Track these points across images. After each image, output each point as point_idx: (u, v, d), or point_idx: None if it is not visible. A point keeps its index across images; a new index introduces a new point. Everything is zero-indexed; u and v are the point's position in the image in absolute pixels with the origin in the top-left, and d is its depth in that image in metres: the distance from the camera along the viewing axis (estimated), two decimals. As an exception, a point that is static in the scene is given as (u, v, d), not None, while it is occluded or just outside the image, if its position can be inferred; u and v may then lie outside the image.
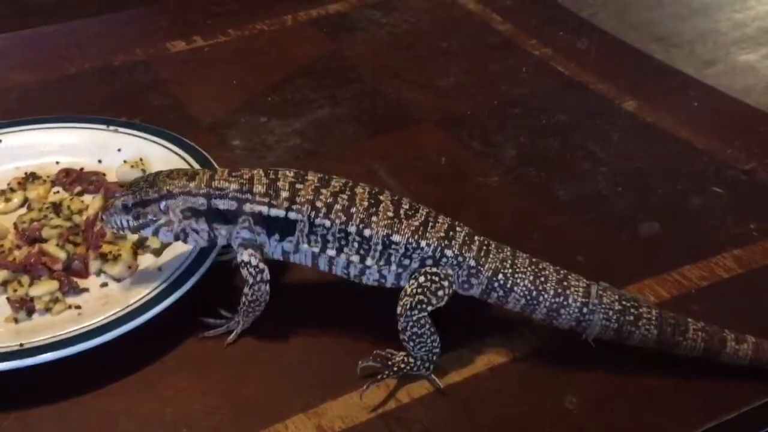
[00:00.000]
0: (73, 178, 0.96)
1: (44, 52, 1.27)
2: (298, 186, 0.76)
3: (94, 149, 1.00)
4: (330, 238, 0.76)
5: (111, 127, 1.01)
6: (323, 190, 0.76)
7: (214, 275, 0.83)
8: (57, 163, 0.99)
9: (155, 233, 0.78)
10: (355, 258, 0.76)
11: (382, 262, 0.76)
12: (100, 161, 0.99)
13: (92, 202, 0.92)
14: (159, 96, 1.16)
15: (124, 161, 0.97)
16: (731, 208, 0.96)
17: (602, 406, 0.74)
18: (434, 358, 0.75)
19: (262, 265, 0.77)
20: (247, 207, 0.76)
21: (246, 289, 0.78)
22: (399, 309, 0.74)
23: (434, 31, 1.34)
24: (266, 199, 0.76)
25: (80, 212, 0.91)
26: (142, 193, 0.77)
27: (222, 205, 0.76)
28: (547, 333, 0.78)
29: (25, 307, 0.80)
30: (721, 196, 0.98)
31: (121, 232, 0.81)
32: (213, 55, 1.27)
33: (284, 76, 1.21)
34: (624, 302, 0.74)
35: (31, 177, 0.97)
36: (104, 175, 0.97)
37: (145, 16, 1.39)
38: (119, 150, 0.99)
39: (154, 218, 0.77)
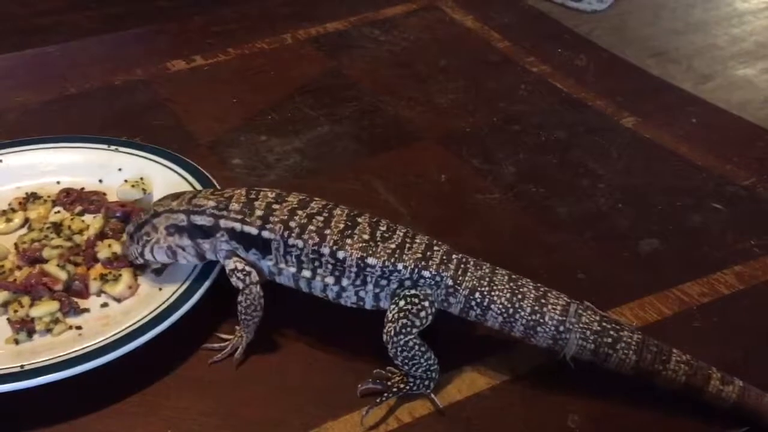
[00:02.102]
0: (74, 198, 0.96)
1: (44, 73, 1.28)
2: (275, 206, 0.77)
3: (94, 169, 1.00)
4: (304, 259, 0.76)
5: (112, 147, 1.01)
6: (299, 211, 0.77)
7: (214, 296, 0.83)
8: (58, 182, 1.00)
9: (151, 252, 0.81)
10: (330, 280, 0.76)
11: (358, 283, 0.76)
12: (101, 181, 0.99)
13: (93, 222, 0.92)
14: (159, 115, 1.17)
15: (125, 181, 0.97)
16: (731, 224, 0.97)
17: (605, 425, 0.74)
18: (433, 375, 0.75)
19: (248, 269, 0.78)
20: (222, 222, 0.78)
21: (239, 297, 0.78)
22: (384, 337, 0.74)
23: (433, 48, 1.35)
24: (240, 216, 0.77)
25: (81, 232, 0.91)
26: (140, 218, 0.82)
27: (200, 220, 0.79)
28: (549, 351, 0.78)
29: (25, 328, 0.80)
30: (721, 213, 0.99)
31: (139, 261, 0.84)
32: (213, 74, 1.27)
33: (284, 94, 1.22)
34: (604, 324, 0.73)
35: (32, 197, 0.97)
36: (105, 194, 0.97)
37: (144, 35, 1.40)
38: (120, 169, 0.99)
39: (148, 238, 0.81)
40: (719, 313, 0.85)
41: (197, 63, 1.29)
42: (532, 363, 0.79)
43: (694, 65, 2.44)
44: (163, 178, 0.96)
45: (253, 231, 0.77)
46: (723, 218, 0.98)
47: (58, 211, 0.96)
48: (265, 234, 0.77)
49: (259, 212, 0.77)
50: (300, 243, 0.76)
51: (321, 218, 0.76)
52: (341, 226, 0.76)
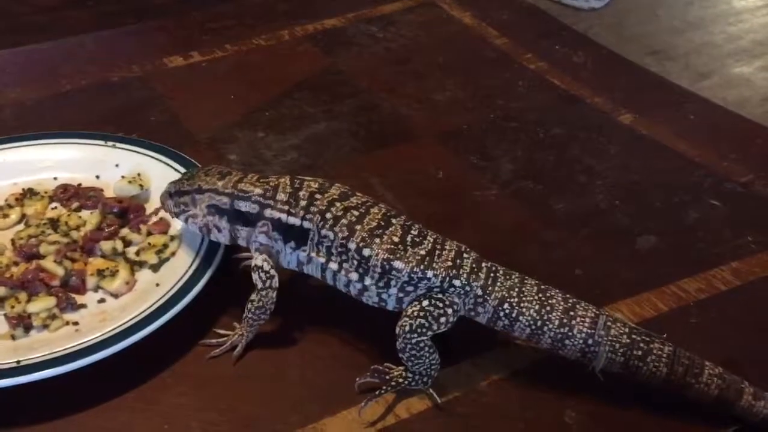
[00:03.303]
0: (71, 194, 0.96)
1: (41, 69, 1.27)
2: (317, 196, 0.77)
3: (91, 165, 1.00)
4: (333, 251, 0.76)
5: (109, 143, 1.01)
6: (338, 203, 0.77)
7: (212, 291, 0.83)
8: (55, 178, 0.99)
9: (186, 222, 0.82)
10: (354, 276, 0.76)
11: (381, 285, 0.75)
12: (98, 177, 0.99)
13: (90, 217, 0.92)
14: (156, 111, 1.16)
15: (122, 177, 0.97)
16: (729, 221, 0.97)
17: (602, 421, 0.74)
18: (432, 373, 0.75)
19: (273, 272, 0.78)
20: (268, 212, 0.78)
21: (253, 295, 0.78)
22: (398, 329, 0.74)
23: (430, 45, 1.35)
24: (286, 207, 0.77)
25: (78, 228, 0.91)
26: (182, 184, 0.82)
27: (244, 207, 0.78)
28: (579, 363, 0.77)
29: (22, 323, 0.80)
30: (718, 209, 0.99)
31: (172, 216, 0.85)
32: (210, 71, 1.27)
33: (281, 91, 1.22)
34: (634, 336, 0.72)
35: (29, 193, 0.97)
36: (102, 190, 0.97)
37: (141, 31, 1.40)
38: (117, 165, 0.99)
39: (186, 209, 0.81)
40: (716, 309, 0.85)
41: (194, 59, 1.29)
42: (530, 359, 0.79)
43: (692, 63, 2.44)
44: (160, 174, 0.95)
45: (297, 222, 0.77)
46: (720, 215, 0.98)
47: (55, 207, 0.96)
48: (306, 224, 0.77)
49: (303, 202, 0.77)
50: (331, 234, 0.76)
51: (357, 212, 0.76)
52: (373, 224, 0.75)
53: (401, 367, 0.76)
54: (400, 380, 0.75)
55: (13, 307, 0.81)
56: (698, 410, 0.73)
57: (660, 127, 1.13)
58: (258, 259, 0.78)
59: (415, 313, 0.73)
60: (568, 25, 1.43)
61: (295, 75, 1.26)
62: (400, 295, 0.75)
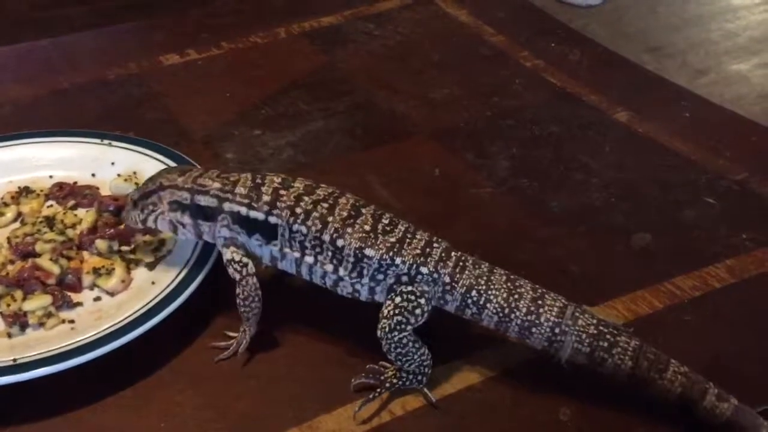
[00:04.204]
0: (67, 192, 0.96)
1: (37, 67, 1.27)
2: (282, 192, 0.77)
3: (87, 163, 1.00)
4: (307, 245, 0.76)
5: (104, 141, 1.01)
6: (305, 197, 0.77)
7: (207, 289, 0.83)
8: (50, 177, 0.99)
9: (155, 222, 0.82)
10: (329, 267, 0.76)
11: (354, 275, 0.76)
12: (93, 175, 0.99)
13: (86, 216, 0.92)
14: (152, 109, 1.16)
15: (118, 175, 0.97)
16: (724, 219, 0.97)
17: (596, 419, 0.74)
18: (426, 370, 0.75)
19: (245, 260, 0.78)
20: (227, 206, 0.78)
21: (237, 289, 0.78)
22: (379, 332, 0.74)
23: (427, 43, 1.35)
24: (246, 201, 0.77)
25: (74, 226, 0.91)
26: (146, 187, 0.82)
27: (203, 201, 0.78)
28: (544, 353, 0.78)
29: (18, 321, 0.80)
30: (713, 207, 0.99)
31: (139, 227, 0.84)
32: (206, 68, 1.27)
33: (278, 88, 1.22)
34: (601, 327, 0.73)
35: (25, 191, 0.97)
36: (98, 188, 0.97)
37: (138, 29, 1.39)
38: (113, 164, 0.99)
39: (153, 208, 0.81)
40: (711, 307, 0.85)
41: (191, 57, 1.29)
42: (524, 357, 0.79)
43: (689, 60, 2.45)
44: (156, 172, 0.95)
45: (260, 216, 0.77)
46: (716, 212, 0.98)
47: (51, 205, 0.96)
48: (272, 219, 0.77)
49: (266, 197, 0.77)
50: (304, 229, 0.76)
51: (326, 205, 0.76)
52: (344, 214, 0.76)
53: (395, 367, 0.76)
54: (395, 380, 0.75)
55: (9, 305, 0.81)
56: (690, 414, 0.72)
57: (656, 124, 1.13)
58: (227, 253, 0.78)
59: (391, 313, 0.74)
60: (564, 23, 1.43)
61: (291, 72, 1.26)
62: (372, 284, 0.76)
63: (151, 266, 0.86)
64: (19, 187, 0.97)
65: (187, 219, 0.80)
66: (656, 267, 0.90)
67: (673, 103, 1.20)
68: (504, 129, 1.14)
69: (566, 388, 0.76)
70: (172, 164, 0.96)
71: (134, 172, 0.97)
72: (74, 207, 0.95)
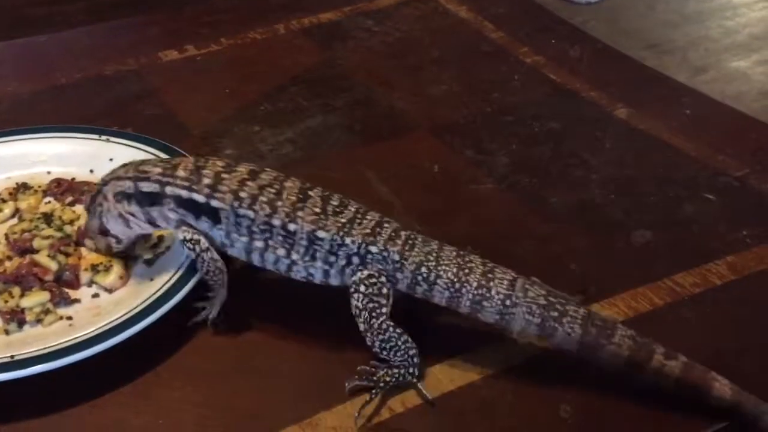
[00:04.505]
0: (65, 188, 0.96)
1: (35, 62, 1.27)
2: (224, 175, 0.77)
3: (85, 159, 0.99)
4: (255, 230, 0.76)
5: (103, 137, 1.01)
6: (250, 182, 0.77)
7: (206, 284, 0.82)
8: (48, 173, 0.99)
9: (106, 221, 0.82)
10: (281, 252, 0.76)
11: (307, 258, 0.76)
12: (91, 171, 0.99)
13: (84, 212, 0.91)
14: (151, 105, 1.16)
15: (116, 171, 0.97)
16: (724, 215, 0.97)
17: (597, 416, 0.74)
18: (415, 360, 0.75)
19: (196, 237, 0.78)
20: (168, 189, 0.78)
21: (197, 265, 0.79)
22: (361, 327, 0.75)
23: (426, 39, 1.34)
24: (186, 183, 0.77)
25: (72, 222, 0.91)
26: (93, 191, 0.82)
27: (146, 187, 0.78)
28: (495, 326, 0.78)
29: (15, 318, 0.80)
30: (713, 203, 0.99)
31: (97, 238, 0.84)
32: (205, 64, 1.27)
33: (276, 84, 1.21)
34: (551, 298, 0.73)
35: (22, 187, 0.96)
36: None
37: (136, 25, 1.39)
38: (111, 160, 0.98)
39: (100, 208, 0.81)
40: (711, 304, 0.85)
41: (189, 53, 1.29)
42: (525, 354, 0.79)
43: (689, 57, 2.45)
44: (154, 169, 0.95)
45: (201, 199, 0.77)
46: (715, 209, 0.98)
47: (49, 202, 0.95)
48: (214, 203, 0.77)
49: (207, 180, 0.77)
50: (251, 213, 0.76)
51: (272, 190, 0.76)
52: (293, 198, 0.76)
53: (386, 365, 0.75)
54: (387, 378, 0.75)
55: (6, 301, 0.81)
56: (692, 407, 0.72)
57: (656, 121, 1.13)
58: (179, 234, 0.79)
59: (362, 304, 0.74)
60: (564, 19, 1.43)
61: (290, 69, 1.25)
62: (325, 267, 0.76)
63: (149, 263, 0.86)
64: (16, 183, 0.97)
65: (134, 207, 0.80)
66: (656, 263, 0.89)
67: (674, 99, 1.19)
68: (504, 125, 1.13)
69: (567, 385, 0.75)
70: (171, 160, 0.96)
71: (132, 168, 0.96)
72: (72, 203, 0.95)
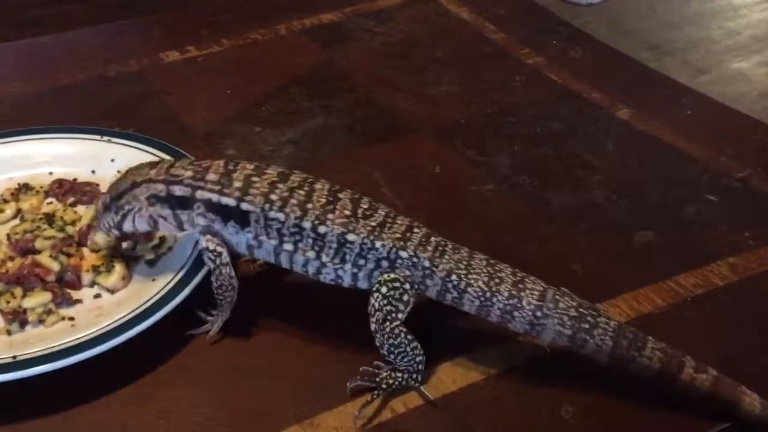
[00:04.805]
0: (67, 189, 0.96)
1: (38, 63, 1.27)
2: (254, 179, 0.77)
3: (87, 160, 0.99)
4: (285, 232, 0.76)
5: (104, 138, 1.01)
6: (280, 185, 0.77)
7: (208, 286, 0.82)
8: (50, 173, 0.99)
9: (133, 221, 0.81)
10: (311, 254, 0.76)
11: (336, 261, 0.76)
12: (93, 172, 0.99)
13: (86, 212, 0.92)
14: (153, 106, 1.16)
15: (118, 171, 0.96)
16: (726, 216, 0.97)
17: (599, 416, 0.74)
18: (420, 367, 0.75)
19: (219, 249, 0.78)
20: (199, 194, 0.78)
21: (212, 277, 0.79)
22: (372, 326, 0.74)
23: (428, 40, 1.34)
24: (217, 187, 0.77)
25: (73, 223, 0.91)
26: (117, 187, 0.81)
27: (178, 191, 0.78)
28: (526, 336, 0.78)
29: (17, 318, 0.80)
30: (715, 204, 0.99)
31: (112, 233, 0.83)
32: (207, 65, 1.27)
33: (278, 85, 1.21)
34: (582, 310, 0.73)
35: (24, 188, 0.96)
36: (98, 185, 0.97)
37: (138, 26, 1.39)
38: (113, 160, 0.99)
39: (129, 207, 0.80)
40: (713, 305, 0.85)
41: (191, 54, 1.29)
42: (527, 354, 0.79)
43: (690, 58, 2.45)
44: (156, 169, 0.95)
45: (232, 202, 0.77)
46: (717, 210, 0.98)
47: (51, 202, 0.96)
48: (244, 206, 0.76)
49: (237, 183, 0.77)
50: (282, 216, 0.76)
51: (302, 192, 0.76)
52: (323, 200, 0.76)
53: (389, 367, 0.75)
54: (390, 381, 0.75)
55: (8, 302, 0.81)
56: (694, 408, 0.73)
57: (657, 122, 1.13)
58: (202, 241, 0.79)
59: (381, 304, 0.74)
60: (565, 20, 1.43)
61: (292, 69, 1.25)
62: (354, 270, 0.76)
63: (151, 263, 0.86)
64: (18, 184, 0.97)
65: (166, 211, 0.79)
66: (658, 265, 0.89)
67: (675, 100, 1.19)
68: (505, 126, 1.13)
69: (568, 386, 0.75)
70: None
71: (134, 169, 0.96)
72: (74, 204, 0.95)
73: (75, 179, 0.98)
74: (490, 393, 0.76)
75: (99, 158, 0.99)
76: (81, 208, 0.94)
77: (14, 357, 0.74)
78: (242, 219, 0.77)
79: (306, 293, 0.84)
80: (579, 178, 1.03)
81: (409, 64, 1.28)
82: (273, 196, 0.76)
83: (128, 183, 0.80)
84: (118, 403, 0.75)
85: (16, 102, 1.17)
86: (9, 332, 0.79)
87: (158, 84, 1.21)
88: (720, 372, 0.72)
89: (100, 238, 0.87)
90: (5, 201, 0.94)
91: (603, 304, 0.84)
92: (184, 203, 0.78)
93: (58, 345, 0.75)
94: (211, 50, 1.30)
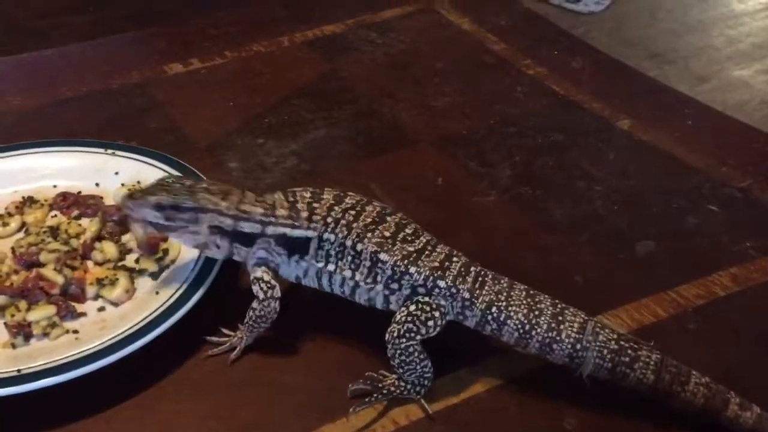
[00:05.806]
0: (71, 202, 0.96)
1: (41, 76, 1.28)
2: (315, 205, 0.78)
3: (91, 173, 1.00)
4: (332, 252, 0.77)
5: (108, 151, 1.01)
6: (336, 207, 0.78)
7: (211, 299, 0.83)
8: (54, 186, 0.99)
9: (179, 237, 0.80)
10: (347, 273, 0.77)
11: (369, 280, 0.76)
12: (97, 184, 0.99)
13: (90, 225, 0.92)
14: (156, 119, 1.17)
15: (122, 184, 0.98)
16: (727, 226, 0.97)
17: (601, 429, 0.74)
18: (425, 382, 0.75)
19: (273, 282, 0.78)
20: (270, 230, 0.78)
21: (255, 304, 0.78)
22: (387, 336, 0.74)
23: (429, 51, 1.35)
24: (289, 222, 0.77)
25: (78, 236, 0.91)
26: (180, 199, 0.77)
27: (248, 228, 0.78)
28: (566, 368, 0.77)
29: (22, 332, 0.80)
30: (716, 214, 0.99)
31: (138, 225, 0.80)
32: (209, 77, 1.27)
33: (280, 97, 1.22)
34: (622, 342, 0.72)
35: (29, 201, 0.97)
36: (102, 198, 0.97)
37: (141, 39, 1.40)
38: (116, 173, 0.99)
39: (186, 225, 0.78)
40: (714, 315, 0.85)
41: (194, 66, 1.30)
42: (529, 366, 0.79)
43: (691, 66, 2.45)
44: (159, 182, 0.95)
45: (301, 234, 0.77)
46: (719, 220, 0.98)
47: (55, 215, 0.96)
48: (309, 233, 0.77)
49: (304, 213, 0.78)
50: (332, 237, 0.77)
51: (353, 212, 0.77)
52: (368, 220, 0.77)
53: (395, 376, 0.76)
54: (392, 388, 0.75)
55: (13, 315, 0.82)
56: (699, 422, 0.73)
57: (658, 132, 1.13)
58: (257, 272, 0.79)
59: (403, 319, 0.74)
60: (566, 30, 1.43)
61: (294, 81, 1.26)
62: (386, 292, 0.76)
63: (155, 276, 0.87)
64: (23, 197, 0.97)
65: (225, 243, 0.79)
66: (660, 275, 0.90)
67: (676, 110, 1.20)
68: (506, 137, 1.14)
69: (571, 398, 0.75)
70: (176, 173, 0.96)
71: (138, 181, 0.97)
72: (78, 217, 0.95)
73: (79, 192, 0.98)
74: (492, 405, 0.76)
75: (103, 171, 1.00)
76: (85, 221, 0.94)
77: (19, 370, 0.74)
78: (305, 248, 0.78)
79: (311, 307, 0.85)
80: (580, 189, 1.04)
81: (410, 75, 1.29)
82: (329, 219, 0.77)
83: (193, 202, 0.77)
84: (122, 416, 0.75)
85: (19, 115, 1.18)
86: (14, 345, 0.80)
87: (161, 96, 1.22)
88: (723, 385, 0.72)
89: (137, 229, 0.84)
90: (10, 214, 0.95)
91: (604, 315, 0.84)
92: (248, 238, 0.78)
93: (62, 358, 0.75)
94: (213, 62, 1.31)
